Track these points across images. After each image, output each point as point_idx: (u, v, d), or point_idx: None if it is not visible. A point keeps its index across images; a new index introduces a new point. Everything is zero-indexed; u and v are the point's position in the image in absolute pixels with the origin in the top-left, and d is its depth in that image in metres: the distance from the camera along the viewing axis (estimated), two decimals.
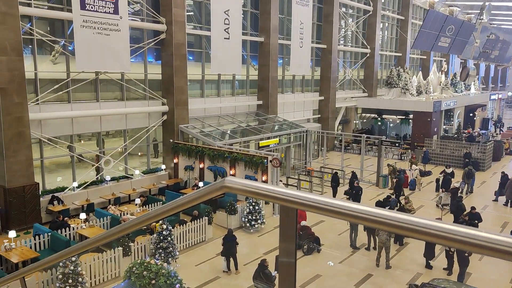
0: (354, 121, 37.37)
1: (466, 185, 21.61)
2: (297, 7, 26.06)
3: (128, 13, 17.99)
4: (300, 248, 14.12)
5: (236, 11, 22.09)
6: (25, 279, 3.16)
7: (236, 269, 12.91)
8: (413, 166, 23.39)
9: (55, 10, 16.71)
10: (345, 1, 32.97)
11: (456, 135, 33.62)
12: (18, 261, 11.73)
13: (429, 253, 13.34)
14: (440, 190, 20.15)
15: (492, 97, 49.89)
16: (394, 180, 21.06)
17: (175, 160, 20.48)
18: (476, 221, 15.00)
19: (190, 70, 21.37)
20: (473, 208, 15.42)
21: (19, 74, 14.89)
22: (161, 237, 12.64)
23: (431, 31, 36.74)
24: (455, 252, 12.74)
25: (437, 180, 21.59)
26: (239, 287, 12.16)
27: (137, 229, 2.15)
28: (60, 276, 10.53)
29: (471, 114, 42.56)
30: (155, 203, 16.89)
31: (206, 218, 15.18)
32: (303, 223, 14.78)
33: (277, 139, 23.25)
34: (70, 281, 10.52)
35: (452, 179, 21.01)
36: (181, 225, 14.40)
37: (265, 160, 17.38)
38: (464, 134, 34.43)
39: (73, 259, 10.56)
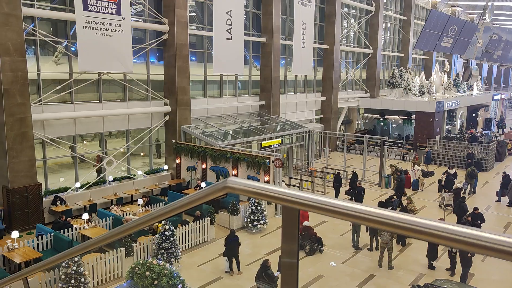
0: (357, 122, 37.34)
1: (469, 185, 21.56)
2: (299, 8, 26.06)
3: (131, 14, 18.03)
4: (303, 249, 14.11)
5: (238, 12, 22.10)
6: (28, 280, 3.17)
7: (238, 270, 12.91)
8: (416, 166, 23.35)
9: (57, 11, 16.75)
10: (347, 2, 32.94)
11: (458, 136, 33.55)
12: (21, 262, 11.75)
13: (432, 254, 13.32)
14: (443, 190, 20.11)
15: (495, 97, 49.78)
16: (395, 181, 21.05)
17: (178, 161, 20.50)
18: (479, 222, 14.98)
19: (193, 70, 21.38)
20: (476, 208, 15.40)
21: (22, 74, 14.93)
22: (164, 238, 12.65)
23: (433, 31, 36.68)
24: (457, 252, 12.71)
25: (440, 181, 21.55)
26: (241, 287, 12.16)
27: (139, 229, 2.15)
28: (63, 277, 10.56)
29: (473, 115, 42.48)
30: (158, 204, 16.90)
31: (209, 218, 15.19)
32: (305, 223, 14.78)
33: (279, 139, 23.25)
34: (72, 281, 10.54)
35: (455, 180, 20.98)
36: (184, 226, 14.42)
37: (267, 161, 17.37)
38: (467, 135, 34.35)
39: (76, 259, 10.59)
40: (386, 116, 36.83)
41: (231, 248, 12.78)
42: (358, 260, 13.97)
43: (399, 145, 26.48)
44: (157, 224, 13.14)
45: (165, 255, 12.52)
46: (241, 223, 16.38)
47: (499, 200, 20.36)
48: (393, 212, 1.19)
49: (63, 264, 10.63)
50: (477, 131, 37.92)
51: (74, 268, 10.57)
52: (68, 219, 14.68)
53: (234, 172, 18.39)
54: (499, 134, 42.54)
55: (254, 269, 11.85)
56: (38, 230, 13.89)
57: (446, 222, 1.10)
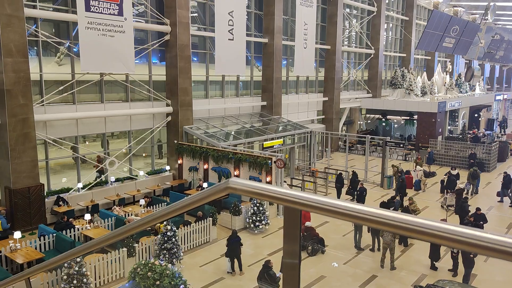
0: (359, 122, 37.31)
1: (471, 186, 21.52)
2: (301, 8, 26.06)
3: (133, 15, 18.05)
4: (305, 249, 14.11)
5: (240, 12, 22.11)
6: (30, 280, 3.18)
7: (240, 270, 12.90)
8: (418, 167, 23.32)
9: (60, 12, 16.78)
10: (349, 2, 32.93)
11: (461, 136, 33.48)
12: (23, 262, 11.77)
13: (434, 255, 13.29)
14: (445, 191, 20.08)
15: (497, 97, 49.66)
16: (396, 182, 21.03)
17: (180, 161, 20.51)
18: (481, 222, 14.95)
19: (194, 71, 21.41)
20: (478, 209, 15.37)
21: (25, 75, 14.97)
22: (166, 238, 12.66)
23: (435, 32, 36.63)
24: (460, 253, 12.69)
25: (442, 182, 21.52)
26: None
27: (141, 230, 2.15)
28: (65, 277, 10.57)
29: (476, 115, 42.39)
30: (160, 204, 16.91)
31: (211, 219, 15.19)
32: (307, 224, 14.78)
33: (281, 140, 23.24)
34: (75, 281, 10.55)
35: (458, 180, 20.95)
36: (186, 226, 14.42)
37: (269, 161, 17.37)
38: (469, 135, 34.29)
39: (78, 259, 10.60)
40: (388, 117, 36.80)
41: (233, 248, 12.78)
42: (360, 260, 13.95)
43: (401, 145, 26.44)
44: (159, 224, 13.15)
45: (167, 255, 12.53)
46: (243, 223, 16.38)
47: (501, 201, 20.31)
48: (395, 212, 1.19)
49: (65, 265, 10.64)
50: (479, 132, 37.83)
51: (76, 268, 10.58)
52: (70, 219, 14.71)
53: (236, 173, 18.39)
54: (502, 135, 42.45)
55: (256, 270, 11.85)
56: (41, 230, 13.92)
57: (448, 223, 1.10)
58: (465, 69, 49.69)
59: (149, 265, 10.38)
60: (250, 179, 16.73)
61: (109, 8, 16.73)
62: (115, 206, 16.78)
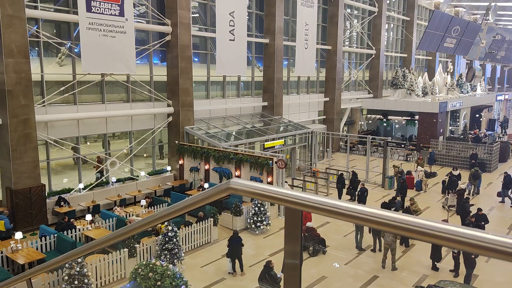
0: (360, 122, 37.29)
1: (473, 186, 21.50)
2: (302, 9, 26.06)
3: (134, 15, 18.07)
4: (306, 250, 14.10)
5: (241, 13, 22.12)
6: (32, 281, 3.18)
7: (241, 271, 12.90)
8: (419, 167, 23.30)
9: (61, 13, 16.80)
10: (350, 2, 32.92)
11: (462, 136, 33.45)
12: (24, 263, 11.78)
13: (436, 255, 13.27)
14: (447, 191, 20.06)
15: (499, 98, 49.62)
16: (396, 182, 21.02)
17: (181, 162, 20.52)
18: (483, 223, 14.92)
19: (196, 71, 21.42)
20: (479, 209, 15.35)
21: (26, 76, 14.99)
22: (167, 239, 12.66)
23: (436, 32, 36.61)
24: (461, 254, 12.67)
25: (444, 182, 21.49)
26: None
27: (143, 230, 2.15)
28: (66, 278, 10.58)
29: (477, 115, 42.35)
30: (161, 205, 16.92)
31: (212, 219, 15.19)
32: (308, 224, 14.77)
33: (282, 140, 23.24)
34: (76, 282, 10.56)
35: (459, 181, 20.93)
36: (187, 227, 14.42)
37: (271, 162, 17.37)
38: (470, 135, 34.25)
39: (79, 260, 10.60)
40: (389, 117, 36.78)
41: (234, 249, 12.78)
42: (362, 261, 13.94)
43: (402, 146, 26.43)
44: (160, 225, 13.16)
45: (168, 256, 12.53)
46: (244, 224, 16.38)
47: (502, 201, 20.28)
48: (396, 213, 1.18)
49: (67, 265, 10.65)
50: (480, 132, 37.80)
51: (78, 269, 10.59)
52: (72, 220, 14.71)
53: (237, 173, 18.40)
54: (503, 135, 42.40)
55: (257, 270, 11.85)
56: (42, 231, 13.93)
57: (449, 224, 1.10)
58: (466, 70, 49.63)
59: (150, 265, 10.39)
60: (251, 179, 16.74)
61: (110, 9, 16.75)
62: (116, 207, 16.79)
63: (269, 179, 17.39)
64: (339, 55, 31.17)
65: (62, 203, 16.31)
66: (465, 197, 18.25)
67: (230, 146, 19.76)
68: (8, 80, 14.52)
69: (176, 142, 20.48)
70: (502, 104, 52.87)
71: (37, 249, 12.76)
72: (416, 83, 36.61)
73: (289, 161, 23.53)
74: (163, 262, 10.77)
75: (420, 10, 44.70)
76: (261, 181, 16.45)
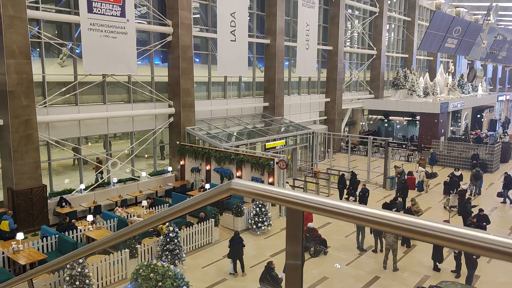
0: (361, 123, 37.27)
1: (474, 187, 21.48)
2: (303, 9, 26.06)
3: (135, 16, 18.08)
4: (307, 250, 14.09)
5: (242, 14, 22.13)
6: (33, 281, 3.18)
7: (242, 272, 12.90)
8: (420, 167, 23.28)
9: (62, 14, 16.81)
10: (351, 3, 32.92)
11: (463, 137, 33.42)
12: (25, 263, 11.79)
13: (437, 256, 13.26)
14: (449, 192, 20.04)
15: (500, 98, 49.58)
16: (397, 182, 21.02)
17: (182, 162, 20.53)
18: (484, 223, 14.90)
19: (197, 72, 21.43)
20: (481, 210, 15.32)
21: (27, 77, 15.01)
22: (168, 239, 12.66)
23: (437, 32, 36.58)
24: (462, 254, 12.65)
25: (445, 183, 21.46)
26: None
27: (144, 231, 2.15)
28: (68, 278, 10.58)
29: (478, 116, 42.30)
30: (162, 205, 16.92)
31: (213, 220, 15.19)
32: (309, 225, 14.76)
33: (284, 140, 23.24)
34: (77, 283, 10.57)
35: (461, 181, 20.90)
36: (188, 227, 14.42)
37: (272, 162, 17.37)
38: (472, 136, 34.22)
39: (80, 261, 10.61)
40: (391, 117, 36.76)
41: (235, 249, 12.77)
42: (363, 262, 13.93)
43: (404, 146, 26.41)
44: (161, 225, 13.17)
45: (169, 256, 12.53)
46: (245, 224, 16.38)
47: (504, 202, 20.25)
48: (397, 214, 1.18)
49: (68, 266, 10.66)
50: (482, 132, 37.76)
51: (79, 269, 10.60)
52: (73, 220, 14.73)
53: (238, 174, 18.40)
54: (504, 135, 42.35)
55: (259, 271, 11.84)
56: (43, 231, 13.94)
57: (451, 224, 1.10)
58: (468, 70, 49.54)
59: (152, 266, 10.39)
60: (252, 180, 16.74)
61: (112, 10, 16.77)
62: (117, 207, 16.80)
63: (270, 180, 17.39)
64: (340, 56, 31.17)
65: (63, 204, 16.33)
66: (466, 197, 18.23)
67: (231, 146, 19.76)
68: (9, 81, 14.54)
69: (177, 142, 20.48)
70: (504, 104, 52.83)
71: (38, 249, 12.77)
72: (417, 83, 36.59)
73: (290, 161, 23.52)
74: (164, 263, 10.77)
75: (421, 11, 44.69)
76: (262, 182, 16.45)
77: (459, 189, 19.52)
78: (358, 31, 35.18)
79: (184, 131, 20.58)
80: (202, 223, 14.83)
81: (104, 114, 18.19)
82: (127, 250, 12.52)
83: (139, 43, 18.89)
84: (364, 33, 35.89)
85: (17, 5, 14.48)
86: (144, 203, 16.32)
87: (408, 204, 17.73)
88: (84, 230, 14.07)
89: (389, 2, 37.76)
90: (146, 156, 21.63)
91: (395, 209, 16.03)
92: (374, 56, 36.50)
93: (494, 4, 40.99)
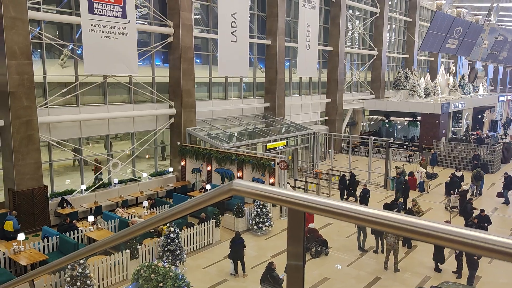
0: (362, 123, 37.26)
1: (475, 187, 21.46)
2: (304, 10, 26.06)
3: (136, 17, 18.10)
4: (308, 251, 14.08)
5: (243, 14, 22.13)
6: (34, 282, 3.18)
7: (243, 272, 12.89)
8: (421, 168, 23.25)
9: (63, 15, 16.82)
10: (352, 3, 32.92)
11: (464, 137, 33.39)
12: (27, 264, 11.80)
13: (438, 256, 13.24)
14: (450, 192, 20.02)
15: (501, 98, 49.53)
16: (396, 182, 21.01)
17: (183, 163, 20.53)
18: (486, 224, 14.89)
19: (198, 73, 21.44)
20: (482, 210, 15.31)
21: (28, 78, 15.02)
22: (169, 240, 12.66)
23: (438, 33, 36.57)
24: (463, 254, 12.64)
25: (447, 184, 21.43)
26: None
27: (145, 232, 2.15)
28: (69, 279, 10.59)
29: (479, 116, 42.27)
30: (163, 206, 16.92)
31: (214, 220, 15.19)
32: (310, 225, 14.75)
33: (284, 141, 23.23)
34: (78, 283, 10.57)
35: (462, 182, 20.88)
36: (189, 228, 14.42)
37: (273, 163, 17.37)
38: (473, 136, 34.19)
39: (81, 261, 10.61)
40: (391, 118, 36.75)
41: (236, 250, 12.77)
42: (364, 262, 13.92)
43: (405, 147, 26.42)
44: (162, 226, 13.17)
45: (170, 257, 12.53)
46: (246, 225, 16.37)
47: (505, 202, 20.22)
48: (398, 214, 1.18)
49: (69, 267, 10.66)
50: (483, 133, 37.73)
51: (80, 270, 10.60)
52: (74, 221, 14.73)
53: (239, 174, 18.40)
54: (505, 136, 42.29)
55: (259, 272, 11.84)
56: (44, 232, 13.95)
57: (452, 225, 1.10)
58: (469, 70, 49.55)
59: (152, 267, 10.39)
60: (253, 180, 16.71)
61: (113, 11, 16.78)
62: (118, 208, 16.81)
63: (271, 180, 17.38)
64: (341, 56, 31.17)
65: (64, 205, 16.34)
66: (468, 198, 18.21)
67: (232, 147, 19.76)
68: (10, 82, 14.55)
69: (178, 143, 20.49)
70: (505, 105, 52.77)
71: (39, 250, 12.77)
72: (418, 84, 36.58)
73: (291, 162, 23.52)
74: (165, 264, 10.77)
75: (422, 11, 44.67)
76: (263, 182, 16.44)
77: (460, 189, 19.50)
78: (359, 31, 35.18)
79: (185, 131, 20.59)
80: (203, 223, 14.83)
81: (105, 115, 18.20)
82: (128, 251, 12.52)
83: (140, 44, 18.90)
84: (365, 34, 35.88)
85: (18, 6, 14.50)
86: (145, 203, 16.32)
87: (409, 204, 17.72)
88: (85, 231, 14.08)
89: (389, 2, 37.76)
90: (147, 156, 21.64)
91: (396, 210, 16.02)
92: (375, 57, 36.49)
93: (495, 4, 40.97)
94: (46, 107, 16.40)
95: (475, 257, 12.12)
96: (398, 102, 34.24)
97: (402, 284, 12.54)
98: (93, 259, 11.80)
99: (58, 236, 13.30)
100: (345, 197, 20.28)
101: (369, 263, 13.82)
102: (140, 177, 19.65)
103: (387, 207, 16.50)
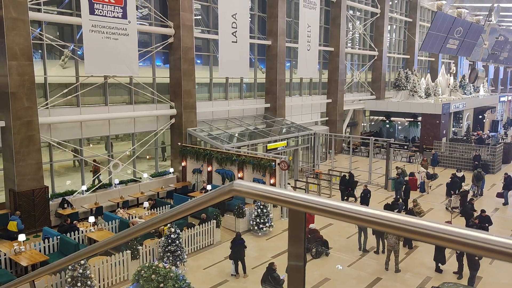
0: (362, 124, 37.26)
1: (476, 188, 21.45)
2: (304, 10, 26.07)
3: (136, 18, 18.11)
4: (309, 251, 14.07)
5: (244, 15, 22.14)
6: (35, 283, 3.18)
7: (244, 273, 12.89)
8: (421, 168, 23.23)
9: (64, 15, 16.84)
10: (353, 4, 32.93)
11: (465, 138, 33.36)
12: (27, 265, 11.80)
13: (439, 257, 13.23)
14: (451, 193, 20.01)
15: (502, 99, 49.51)
16: (395, 182, 21.01)
17: (183, 163, 20.53)
18: (487, 224, 14.87)
19: (198, 73, 21.45)
20: (483, 211, 15.30)
21: (29, 78, 15.04)
22: (169, 241, 12.66)
23: (439, 33, 36.58)
24: (464, 255, 12.63)
25: (448, 184, 21.42)
26: None
27: (146, 232, 2.15)
28: (69, 280, 10.59)
29: (480, 116, 42.25)
30: (163, 207, 16.92)
31: (214, 221, 15.19)
32: (311, 226, 14.74)
33: (285, 142, 23.23)
34: (79, 284, 10.57)
35: (463, 183, 20.86)
36: (189, 228, 14.42)
37: (273, 163, 17.37)
38: (474, 137, 34.17)
39: (82, 262, 10.62)
40: (392, 118, 36.74)
41: (237, 251, 12.77)
42: (365, 263, 13.91)
43: (405, 147, 26.44)
44: (163, 227, 13.17)
45: (171, 258, 12.53)
46: (247, 226, 16.37)
47: (506, 203, 20.19)
48: (399, 215, 1.18)
49: (70, 267, 10.66)
50: (483, 133, 37.71)
51: (81, 271, 10.60)
52: (74, 222, 14.74)
53: (240, 175, 18.40)
54: (506, 136, 42.27)
55: (260, 272, 11.84)
56: (45, 233, 13.95)
57: (453, 225, 1.09)
58: (469, 71, 49.58)
59: (153, 267, 10.39)
60: (253, 181, 16.72)
61: (113, 11, 16.79)
62: (119, 209, 16.81)
63: (272, 181, 17.38)
64: (341, 57, 31.17)
65: (65, 205, 16.35)
66: (469, 198, 18.19)
67: (233, 147, 19.76)
68: (11, 83, 14.57)
69: (179, 144, 20.49)
70: (505, 105, 52.74)
71: (40, 251, 12.78)
72: (418, 84, 36.57)
73: (291, 162, 23.52)
74: (166, 264, 10.77)
75: (423, 12, 44.67)
76: (264, 183, 16.45)
77: (461, 190, 19.49)
78: (360, 32, 35.18)
79: (186, 132, 20.59)
80: (203, 224, 14.83)
81: (105, 116, 18.21)
82: (128, 251, 12.52)
83: (140, 45, 18.92)
84: (366, 34, 35.89)
85: (19, 7, 14.52)
86: (146, 204, 16.33)
87: (410, 205, 17.71)
88: (86, 231, 14.08)
89: (390, 3, 37.75)
90: (147, 157, 21.64)
91: (396, 210, 16.02)
92: (376, 57, 36.49)
93: (495, 5, 40.98)
94: (47, 107, 16.41)
95: (476, 258, 12.11)
96: (399, 103, 34.23)
97: (403, 284, 12.53)
98: (93, 259, 11.80)
99: (58, 237, 13.30)
100: (345, 198, 20.26)
101: (370, 264, 13.81)
102: (140, 178, 19.66)
103: (388, 207, 16.50)
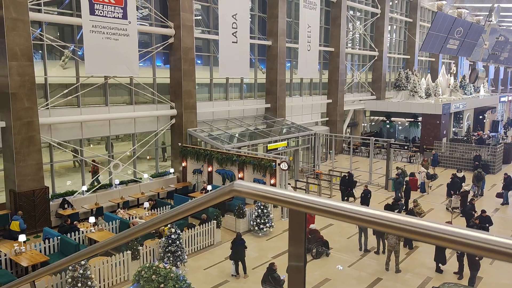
0: (363, 124, 37.25)
1: (477, 188, 21.44)
2: (304, 11, 26.07)
3: (137, 18, 18.12)
4: (309, 252, 14.07)
5: (244, 15, 22.14)
6: (35, 283, 3.18)
7: (244, 273, 12.89)
8: (422, 168, 23.24)
9: (64, 16, 16.85)
10: (353, 4, 32.93)
11: (465, 138, 33.35)
12: (28, 265, 11.81)
13: (440, 257, 13.22)
14: (452, 193, 20.00)
15: (502, 99, 49.49)
16: (395, 182, 21.02)
17: (184, 164, 20.53)
18: (487, 225, 14.87)
19: (198, 74, 21.45)
20: (483, 211, 15.29)
21: (30, 79, 15.04)
22: (170, 241, 12.66)
23: (439, 34, 36.57)
24: (465, 255, 12.62)
25: (448, 185, 21.41)
26: None
27: (146, 233, 2.15)
28: (70, 280, 10.59)
29: (480, 117, 42.23)
30: (164, 207, 16.92)
31: (215, 221, 15.18)
32: (311, 226, 14.74)
33: (285, 142, 23.22)
34: (79, 284, 10.58)
35: (463, 183, 20.85)
36: (190, 229, 14.42)
37: (274, 163, 17.36)
38: (474, 137, 34.15)
39: (82, 262, 10.62)
40: (392, 119, 36.73)
41: (237, 251, 12.76)
42: (365, 263, 13.90)
43: (406, 147, 26.45)
44: (163, 227, 13.16)
45: (171, 258, 12.53)
46: (247, 226, 16.37)
47: (506, 203, 20.18)
48: (400, 215, 1.18)
49: (70, 268, 10.66)
50: (484, 133, 37.69)
51: (81, 271, 10.60)
52: (75, 222, 14.74)
53: (240, 175, 18.40)
54: (506, 136, 42.24)
55: (261, 273, 11.84)
56: (45, 233, 13.95)
57: (453, 225, 1.09)
58: (470, 71, 49.57)
59: (154, 268, 10.39)
60: (254, 181, 16.70)
61: (114, 12, 16.80)
62: (119, 209, 16.81)
63: (272, 181, 17.38)
64: (341, 57, 31.17)
65: (65, 206, 16.35)
66: (469, 199, 18.19)
67: (233, 148, 19.76)
68: (12, 83, 14.57)
69: (179, 144, 20.49)
70: (506, 105, 52.72)
71: (40, 251, 12.78)
72: (419, 84, 36.55)
73: (292, 163, 23.52)
74: (166, 265, 10.78)
75: (423, 12, 44.67)
76: (264, 183, 16.42)
77: (461, 190, 19.49)
78: (360, 32, 35.18)
79: (186, 132, 20.59)
80: (204, 224, 14.83)
81: (106, 116, 18.21)
82: (129, 252, 12.52)
83: (141, 45, 18.92)
84: (366, 35, 35.89)
85: (19, 7, 14.52)
86: (146, 204, 16.33)
87: (411, 205, 17.71)
88: (86, 232, 14.08)
89: (390, 3, 37.75)
90: (148, 157, 21.65)
91: (397, 210, 16.02)
92: (376, 57, 36.49)
93: (495, 5, 40.98)
94: (47, 108, 16.42)
95: (477, 258, 12.11)
96: (399, 103, 34.23)
97: (403, 285, 12.52)
98: (94, 260, 11.81)
99: (59, 237, 13.30)
100: (345, 198, 20.27)
101: (370, 264, 13.81)
102: (141, 178, 19.66)
103: (388, 207, 16.49)
